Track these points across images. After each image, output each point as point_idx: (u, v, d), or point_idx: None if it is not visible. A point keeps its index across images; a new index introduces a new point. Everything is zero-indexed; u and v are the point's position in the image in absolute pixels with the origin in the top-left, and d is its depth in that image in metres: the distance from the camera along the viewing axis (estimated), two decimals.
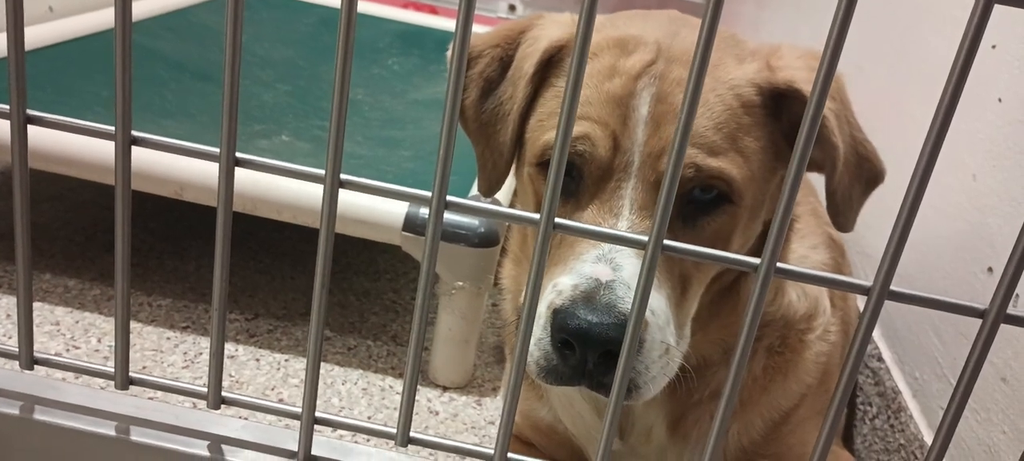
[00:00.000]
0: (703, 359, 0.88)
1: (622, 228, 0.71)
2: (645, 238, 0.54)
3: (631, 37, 0.77)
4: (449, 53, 0.88)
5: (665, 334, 0.71)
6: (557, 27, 0.81)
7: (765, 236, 0.82)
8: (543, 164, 0.78)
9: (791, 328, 0.91)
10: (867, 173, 0.79)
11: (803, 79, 0.75)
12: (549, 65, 0.80)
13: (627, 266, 0.69)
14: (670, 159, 0.51)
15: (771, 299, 0.89)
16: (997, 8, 0.47)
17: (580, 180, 0.75)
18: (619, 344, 0.65)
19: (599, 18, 0.84)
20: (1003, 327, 0.55)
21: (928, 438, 1.05)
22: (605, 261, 0.69)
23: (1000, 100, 1.03)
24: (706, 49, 0.49)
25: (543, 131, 0.78)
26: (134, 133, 0.58)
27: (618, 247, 0.70)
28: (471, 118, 0.84)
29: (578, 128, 0.74)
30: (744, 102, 0.75)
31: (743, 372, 0.58)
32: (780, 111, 0.77)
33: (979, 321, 0.55)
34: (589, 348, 0.67)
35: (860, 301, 1.12)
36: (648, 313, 0.69)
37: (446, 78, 0.54)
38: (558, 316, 0.68)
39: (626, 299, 0.67)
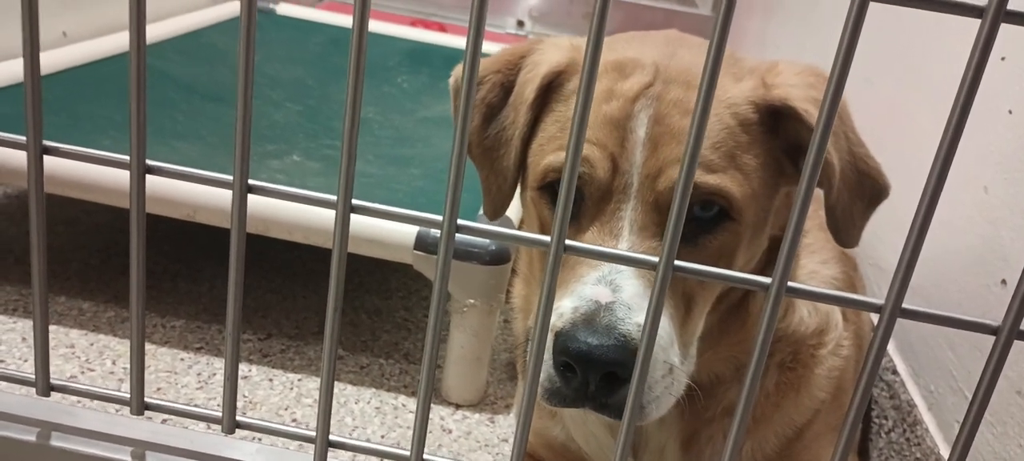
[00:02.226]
0: (715, 376, 0.88)
1: (623, 249, 0.72)
2: (655, 259, 0.54)
3: (628, 60, 0.78)
4: (452, 81, 0.90)
5: (668, 354, 0.71)
6: (557, 52, 0.82)
7: (771, 251, 0.82)
8: (544, 187, 0.79)
9: (802, 344, 0.91)
10: (869, 190, 0.79)
11: (798, 96, 0.75)
12: (549, 90, 0.81)
13: (627, 287, 0.69)
14: (680, 180, 0.52)
15: (781, 316, 0.89)
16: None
17: (581, 202, 0.76)
18: (620, 365, 0.66)
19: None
20: (1018, 341, 0.54)
21: (944, 452, 1.04)
22: (605, 283, 0.70)
23: (1010, 112, 1.03)
24: (714, 68, 0.49)
25: (544, 155, 0.79)
26: (149, 162, 0.59)
27: (619, 268, 0.70)
28: (475, 143, 0.85)
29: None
30: (741, 120, 0.75)
31: (756, 390, 0.58)
32: (778, 128, 0.78)
33: (993, 336, 0.55)
34: (590, 370, 0.67)
35: (874, 317, 1.12)
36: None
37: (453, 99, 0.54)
38: (559, 339, 0.69)
39: (626, 320, 0.67)
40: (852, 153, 0.78)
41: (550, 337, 0.70)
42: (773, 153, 0.78)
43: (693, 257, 0.74)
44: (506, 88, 0.84)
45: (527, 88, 0.81)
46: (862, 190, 0.78)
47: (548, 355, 0.70)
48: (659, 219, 0.73)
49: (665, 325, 0.71)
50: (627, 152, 0.73)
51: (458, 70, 0.90)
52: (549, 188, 0.78)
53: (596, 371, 0.67)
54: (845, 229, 0.78)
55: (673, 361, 0.71)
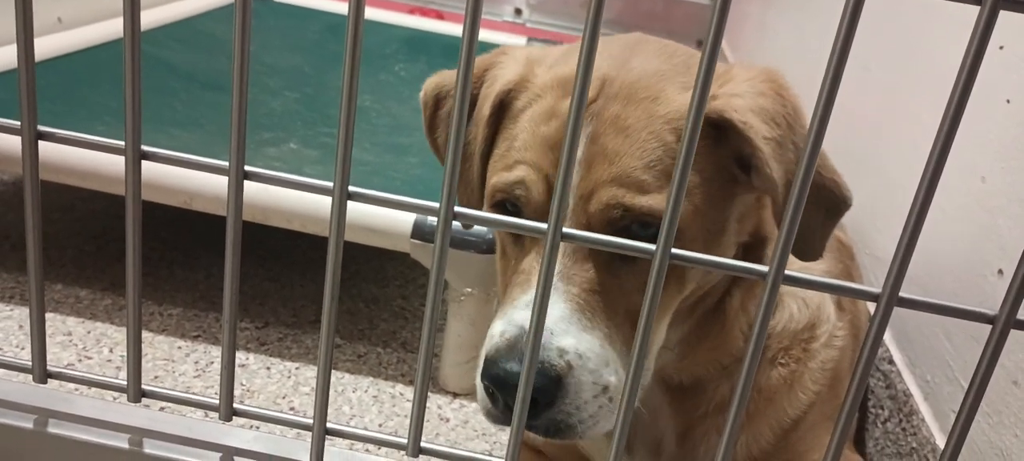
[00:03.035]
0: (696, 379, 0.88)
1: (555, 273, 0.70)
2: (652, 247, 0.54)
3: (574, 74, 0.78)
4: (421, 95, 0.90)
5: (600, 376, 0.70)
6: (512, 67, 0.82)
7: (748, 256, 0.81)
8: (496, 206, 0.79)
9: (794, 339, 0.91)
10: (826, 201, 0.75)
11: (739, 106, 0.73)
12: (503, 107, 0.81)
13: (552, 312, 0.70)
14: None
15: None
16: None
17: None
18: (538, 390, 0.67)
19: (557, 50, 0.85)
20: (1014, 331, 0.54)
21: (940, 442, 1.04)
22: (532, 308, 0.69)
23: (1008, 101, 1.02)
24: (711, 61, 0.49)
25: (495, 173, 0.79)
26: (144, 148, 0.59)
27: (549, 293, 0.70)
28: (444, 157, 0.86)
29: (515, 173, 0.75)
30: (680, 134, 0.73)
31: (750, 385, 0.58)
32: (725, 140, 0.75)
33: (990, 325, 0.55)
34: (509, 396, 0.68)
35: (870, 306, 1.12)
36: (575, 357, 0.69)
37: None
38: (485, 365, 0.70)
39: (547, 346, 0.68)
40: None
41: (481, 360, 0.71)
42: (721, 163, 0.75)
43: (631, 277, 0.74)
44: (471, 101, 0.84)
45: (485, 105, 0.82)
46: (818, 202, 0.74)
47: (478, 377, 0.72)
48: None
49: (594, 347, 0.71)
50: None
51: (429, 83, 0.90)
52: (500, 207, 0.78)
53: (512, 396, 0.67)
54: (803, 243, 0.75)
55: (608, 381, 0.71)
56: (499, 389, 0.69)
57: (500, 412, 0.72)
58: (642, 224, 0.72)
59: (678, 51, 0.81)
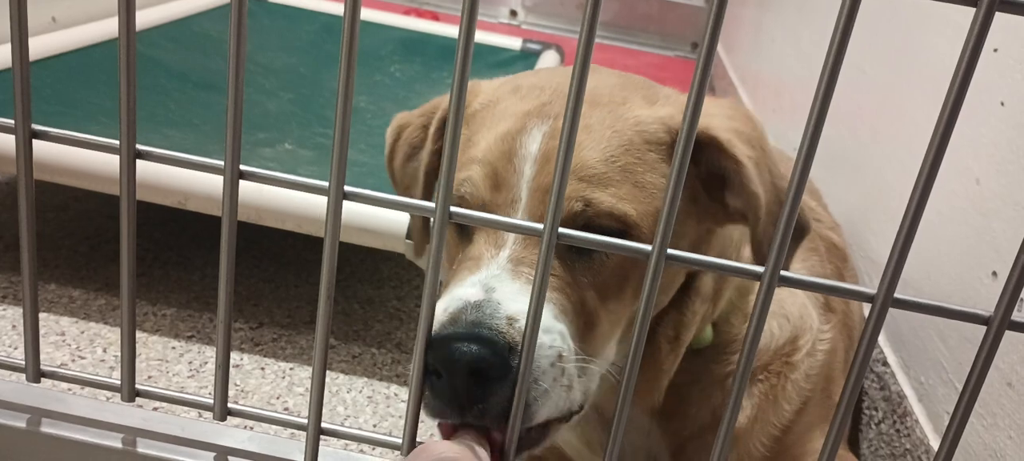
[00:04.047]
0: (666, 402, 0.87)
1: (504, 256, 0.69)
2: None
3: (526, 84, 0.80)
4: (387, 132, 0.93)
5: (555, 342, 0.66)
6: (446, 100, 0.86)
7: (689, 284, 0.80)
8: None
9: (775, 355, 0.90)
10: (796, 226, 0.76)
11: (719, 127, 0.73)
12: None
13: (501, 288, 0.66)
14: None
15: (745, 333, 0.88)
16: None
17: None
18: (484, 360, 0.60)
19: (511, 75, 0.88)
20: (1008, 332, 0.55)
21: (934, 443, 1.05)
22: (480, 285, 0.66)
23: (1003, 104, 1.03)
24: (706, 64, 0.49)
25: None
26: (139, 147, 0.58)
27: (496, 272, 0.67)
28: (398, 180, 0.92)
29: (463, 172, 0.75)
30: (648, 139, 0.73)
31: (740, 402, 0.58)
32: (699, 159, 0.75)
33: (984, 327, 0.55)
34: (453, 372, 0.61)
35: (865, 307, 1.12)
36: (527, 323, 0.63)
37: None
38: (429, 349, 0.62)
39: (494, 315, 0.63)
40: (775, 186, 0.75)
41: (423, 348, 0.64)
42: (688, 182, 0.74)
43: (588, 274, 0.71)
44: (426, 129, 0.89)
45: (433, 127, 0.87)
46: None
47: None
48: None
49: (548, 317, 0.66)
50: (514, 167, 0.73)
51: (396, 120, 0.94)
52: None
53: (456, 373, 0.61)
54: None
55: (561, 350, 0.66)
56: (445, 368, 0.61)
57: (442, 401, 0.63)
58: (600, 226, 0.70)
59: (636, 77, 0.84)
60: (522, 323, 0.61)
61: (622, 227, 0.71)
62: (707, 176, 0.76)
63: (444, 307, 0.65)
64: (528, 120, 0.74)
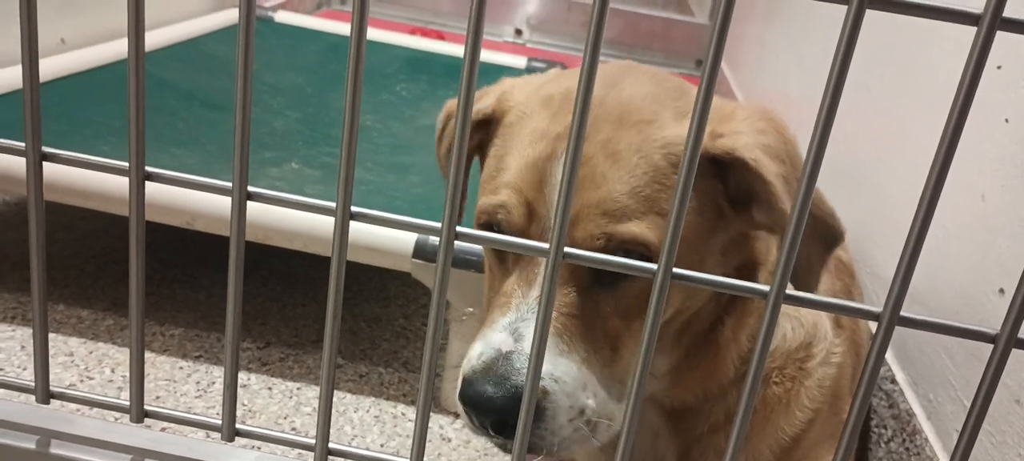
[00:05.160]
0: (682, 403, 0.88)
1: (533, 297, 0.72)
2: (653, 267, 0.54)
3: (560, 94, 0.78)
4: (439, 117, 0.92)
5: (577, 399, 0.71)
6: (486, 99, 0.84)
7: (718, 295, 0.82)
8: (481, 227, 0.80)
9: (788, 359, 0.90)
10: (823, 233, 0.76)
11: (746, 144, 0.73)
12: (489, 130, 0.83)
13: (529, 336, 0.70)
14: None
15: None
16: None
17: None
18: (508, 414, 0.68)
19: (547, 75, 0.87)
20: (1016, 350, 0.54)
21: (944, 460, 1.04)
22: (510, 331, 0.71)
23: (1007, 120, 1.03)
24: (710, 81, 0.49)
25: (483, 195, 0.80)
26: (148, 169, 0.59)
27: (525, 315, 0.72)
28: (444, 166, 0.93)
29: (498, 197, 0.75)
30: (675, 163, 0.73)
31: (751, 407, 0.58)
32: (725, 175, 0.76)
33: (991, 345, 0.55)
34: (483, 417, 0.70)
35: (872, 325, 1.12)
36: (551, 382, 0.69)
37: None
38: (463, 385, 0.71)
39: (522, 371, 0.69)
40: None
41: (460, 379, 0.72)
42: (714, 198, 0.76)
43: (611, 302, 0.74)
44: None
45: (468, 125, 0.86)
46: (816, 234, 0.76)
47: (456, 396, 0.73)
48: (574, 266, 0.72)
49: (572, 371, 0.71)
50: (544, 197, 0.73)
51: (446, 107, 0.93)
52: (486, 229, 0.79)
53: (487, 418, 0.69)
54: (803, 274, 0.76)
55: (585, 404, 0.71)
56: (474, 411, 0.70)
57: (478, 429, 0.73)
58: (624, 250, 0.72)
59: (669, 78, 0.82)
60: (547, 381, 0.69)
61: (645, 254, 0.72)
62: (736, 192, 0.76)
63: (479, 353, 0.71)
64: (558, 145, 0.74)
